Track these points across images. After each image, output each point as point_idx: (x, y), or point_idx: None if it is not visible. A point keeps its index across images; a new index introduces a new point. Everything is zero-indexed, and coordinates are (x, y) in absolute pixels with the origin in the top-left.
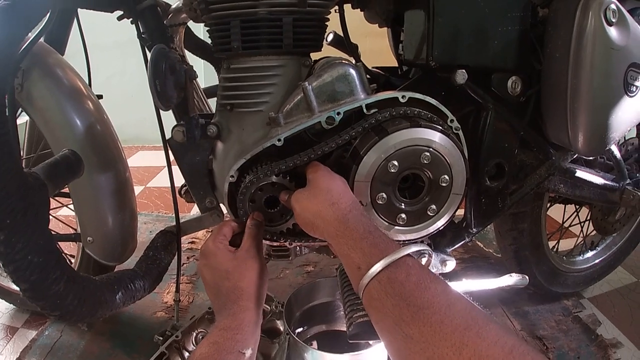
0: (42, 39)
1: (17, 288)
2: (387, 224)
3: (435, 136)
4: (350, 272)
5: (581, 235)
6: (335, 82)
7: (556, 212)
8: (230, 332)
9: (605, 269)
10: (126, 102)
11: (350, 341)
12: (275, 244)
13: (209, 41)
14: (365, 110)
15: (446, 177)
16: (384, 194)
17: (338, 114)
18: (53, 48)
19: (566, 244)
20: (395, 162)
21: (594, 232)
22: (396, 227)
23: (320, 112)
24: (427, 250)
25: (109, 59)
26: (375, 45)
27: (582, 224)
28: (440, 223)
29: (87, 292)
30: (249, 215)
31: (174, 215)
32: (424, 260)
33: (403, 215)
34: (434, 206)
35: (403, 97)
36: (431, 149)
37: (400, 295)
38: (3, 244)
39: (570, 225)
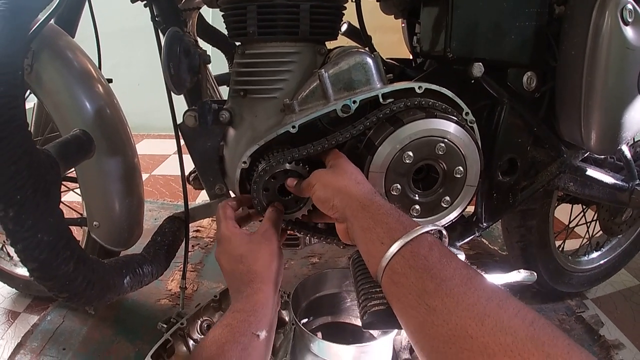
0: (52, 21)
1: (19, 272)
2: None
3: (450, 127)
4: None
5: (587, 235)
6: (352, 71)
7: (561, 213)
8: (243, 314)
9: (609, 270)
10: (132, 90)
11: (364, 330)
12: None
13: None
14: (381, 100)
15: (460, 168)
16: (398, 184)
17: (354, 102)
18: (64, 30)
19: (571, 244)
20: (410, 153)
21: (599, 233)
22: None
23: (336, 100)
24: (444, 231)
25: (115, 47)
26: (385, 39)
27: (588, 224)
28: (453, 215)
29: (97, 275)
30: (266, 205)
31: (179, 203)
32: None
33: (417, 207)
34: (448, 198)
35: (419, 87)
36: (446, 140)
37: (424, 268)
38: (12, 221)
39: (576, 225)
